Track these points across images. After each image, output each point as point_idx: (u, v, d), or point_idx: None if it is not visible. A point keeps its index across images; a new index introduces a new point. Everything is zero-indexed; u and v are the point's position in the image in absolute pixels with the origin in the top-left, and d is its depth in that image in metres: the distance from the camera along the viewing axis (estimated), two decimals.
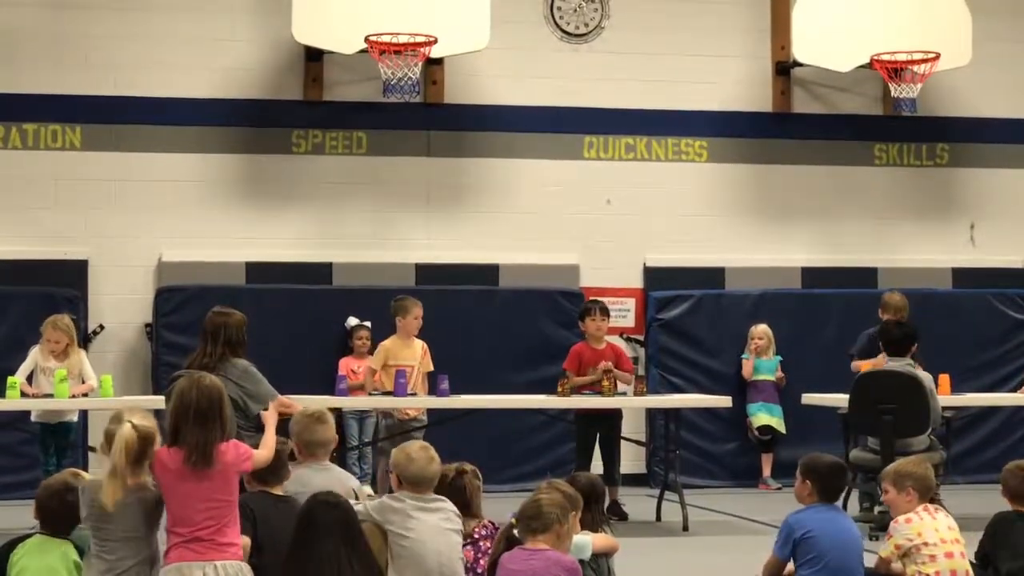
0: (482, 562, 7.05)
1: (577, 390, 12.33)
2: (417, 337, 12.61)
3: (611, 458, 12.54)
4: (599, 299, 13.39)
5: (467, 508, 7.17)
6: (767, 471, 14.75)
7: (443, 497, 7.03)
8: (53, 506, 6.59)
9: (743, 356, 14.95)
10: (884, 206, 15.84)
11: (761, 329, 14.88)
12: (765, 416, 14.75)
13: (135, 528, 6.23)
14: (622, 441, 12.80)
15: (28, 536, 6.64)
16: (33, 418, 11.92)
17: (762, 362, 14.82)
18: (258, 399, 9.70)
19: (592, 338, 12.71)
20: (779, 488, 14.30)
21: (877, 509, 11.59)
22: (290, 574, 6.35)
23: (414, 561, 6.74)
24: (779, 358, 14.88)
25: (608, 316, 12.86)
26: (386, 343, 12.56)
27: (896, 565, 7.93)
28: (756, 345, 14.83)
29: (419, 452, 7.08)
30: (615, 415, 12.59)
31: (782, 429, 14.71)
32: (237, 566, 6.21)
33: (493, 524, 7.17)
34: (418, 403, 11.96)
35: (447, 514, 6.94)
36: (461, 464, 7.31)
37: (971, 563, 7.79)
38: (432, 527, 6.83)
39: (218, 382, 6.44)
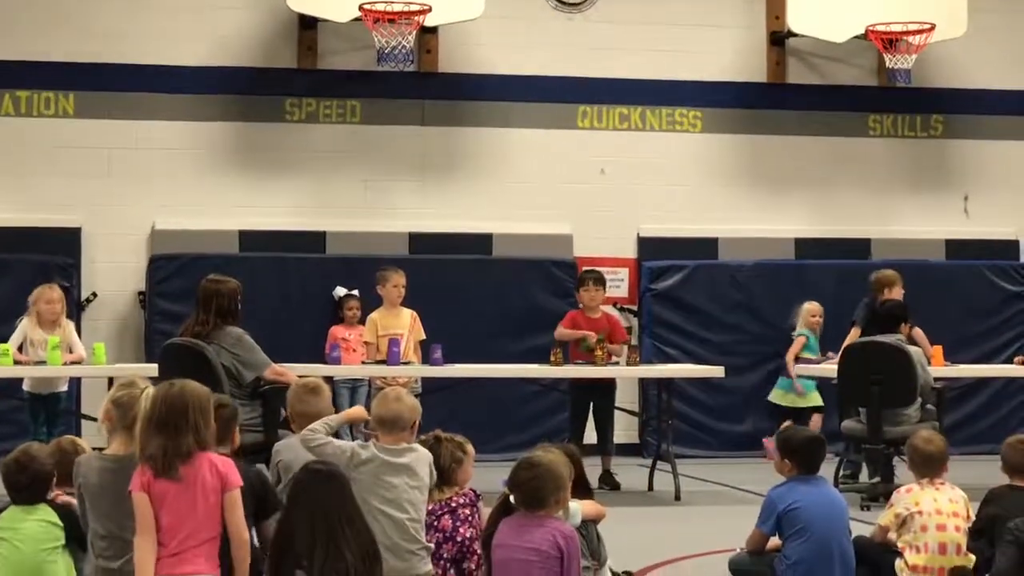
0: (462, 529, 7.03)
1: (570, 358, 12.34)
2: (409, 306, 12.62)
3: (605, 428, 12.56)
4: (595, 269, 13.38)
5: (441, 476, 7.14)
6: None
7: (414, 446, 7.00)
8: (21, 480, 6.60)
9: (798, 333, 14.48)
10: (878, 177, 15.83)
11: (815, 308, 14.45)
12: (791, 397, 14.39)
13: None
14: (615, 411, 12.83)
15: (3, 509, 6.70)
16: (25, 387, 11.91)
17: (815, 340, 14.61)
18: (251, 367, 9.71)
19: (587, 308, 12.75)
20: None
21: (874, 480, 11.62)
22: (281, 543, 6.35)
23: (371, 514, 6.73)
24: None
25: (603, 286, 12.86)
26: (374, 315, 12.57)
27: (891, 535, 7.97)
28: (816, 322, 14.42)
29: (389, 392, 7.15)
30: (609, 385, 12.61)
31: (816, 403, 14.31)
32: None
33: (474, 492, 7.15)
34: (411, 372, 11.95)
35: (413, 470, 6.89)
36: (437, 432, 7.30)
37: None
38: (391, 485, 6.84)
39: (193, 389, 6.17)
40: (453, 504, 7.11)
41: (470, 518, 7.00)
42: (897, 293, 12.73)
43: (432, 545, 6.96)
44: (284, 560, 6.26)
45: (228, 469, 6.11)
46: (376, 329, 12.41)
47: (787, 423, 13.88)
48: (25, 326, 11.87)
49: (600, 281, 12.83)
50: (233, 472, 6.14)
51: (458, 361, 12.11)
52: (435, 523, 7.06)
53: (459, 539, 7.01)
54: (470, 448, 7.30)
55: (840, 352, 11.96)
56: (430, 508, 7.06)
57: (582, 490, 7.35)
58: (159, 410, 6.06)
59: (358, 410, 7.46)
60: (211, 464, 6.09)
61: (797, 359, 13.99)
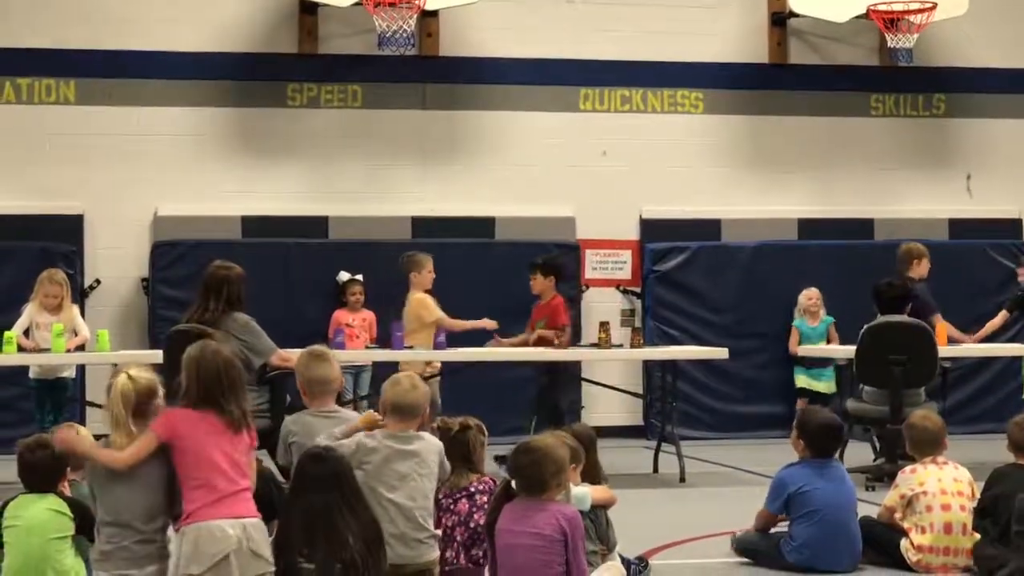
0: (476, 516, 7.04)
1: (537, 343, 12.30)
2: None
3: (555, 412, 12.39)
4: (545, 255, 13.13)
5: (468, 462, 7.16)
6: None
7: (423, 434, 7.00)
8: (32, 462, 6.65)
9: (795, 324, 14.83)
10: (881, 157, 15.82)
11: (812, 292, 14.69)
12: (805, 379, 14.60)
13: (151, 494, 6.24)
14: (619, 393, 12.95)
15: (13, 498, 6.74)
16: (31, 375, 11.92)
17: (810, 328, 14.69)
18: (259, 353, 9.74)
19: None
20: None
21: (878, 461, 11.62)
22: (286, 527, 6.36)
23: (380, 502, 6.75)
24: (830, 320, 14.73)
25: (537, 271, 12.52)
26: (424, 296, 12.37)
27: (897, 516, 7.98)
28: (810, 304, 14.65)
29: (403, 379, 7.10)
30: (553, 368, 12.43)
31: (828, 390, 14.45)
32: (255, 523, 6.20)
33: (493, 480, 7.15)
34: (414, 356, 11.94)
35: (421, 458, 6.91)
36: (466, 418, 7.29)
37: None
38: (402, 474, 6.85)
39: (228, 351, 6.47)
40: (472, 490, 7.12)
41: (487, 506, 6.97)
42: (924, 267, 12.77)
43: (439, 532, 6.98)
44: (287, 549, 6.27)
45: (253, 429, 6.35)
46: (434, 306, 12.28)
47: (805, 404, 14.08)
48: (31, 310, 11.90)
49: (536, 266, 12.60)
50: (253, 431, 6.34)
51: (460, 345, 12.12)
52: (452, 506, 7.09)
53: (472, 525, 7.02)
54: (484, 429, 7.35)
55: (860, 332, 11.81)
56: (447, 491, 7.09)
57: (593, 475, 7.37)
58: (224, 368, 6.28)
59: (369, 416, 7.39)
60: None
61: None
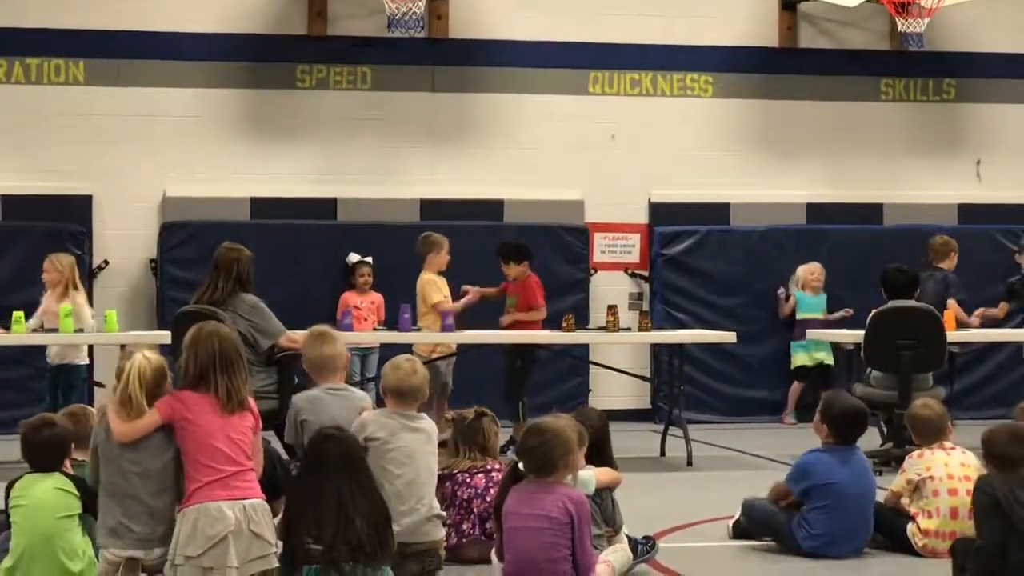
0: (493, 490, 7.20)
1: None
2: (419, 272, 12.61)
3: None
4: (504, 242, 13.06)
5: (484, 450, 7.30)
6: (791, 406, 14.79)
7: (424, 415, 7.11)
8: (37, 441, 6.67)
9: (793, 293, 14.89)
10: (890, 142, 15.79)
11: (815, 267, 14.77)
12: (803, 355, 14.70)
13: (155, 465, 6.26)
14: (627, 376, 13.13)
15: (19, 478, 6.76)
16: (49, 359, 11.88)
17: (812, 300, 14.75)
18: (267, 334, 9.77)
19: None
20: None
21: (886, 445, 11.63)
22: (294, 507, 6.37)
23: (388, 479, 6.81)
24: (825, 296, 14.86)
25: (510, 261, 12.55)
26: (434, 277, 12.35)
27: (904, 501, 7.98)
28: (809, 282, 14.75)
29: (403, 363, 7.18)
30: (534, 350, 12.47)
31: (828, 360, 14.54)
32: (257, 504, 6.24)
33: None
34: (419, 338, 11.96)
35: (428, 436, 7.04)
36: (479, 407, 7.41)
37: None
38: (410, 451, 6.91)
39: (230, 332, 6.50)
40: (489, 467, 7.25)
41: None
42: (955, 259, 12.94)
43: (445, 514, 7.06)
44: (294, 530, 6.28)
45: (256, 410, 6.39)
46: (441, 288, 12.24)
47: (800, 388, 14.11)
48: (45, 297, 11.91)
49: (505, 258, 12.57)
50: (256, 411, 6.38)
51: (469, 327, 12.11)
52: (469, 480, 7.32)
53: (489, 498, 7.14)
54: (496, 419, 7.50)
55: (869, 317, 11.81)
56: (467, 467, 7.22)
57: (604, 457, 7.41)
58: (220, 348, 6.29)
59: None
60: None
61: (799, 321, 14.57)
